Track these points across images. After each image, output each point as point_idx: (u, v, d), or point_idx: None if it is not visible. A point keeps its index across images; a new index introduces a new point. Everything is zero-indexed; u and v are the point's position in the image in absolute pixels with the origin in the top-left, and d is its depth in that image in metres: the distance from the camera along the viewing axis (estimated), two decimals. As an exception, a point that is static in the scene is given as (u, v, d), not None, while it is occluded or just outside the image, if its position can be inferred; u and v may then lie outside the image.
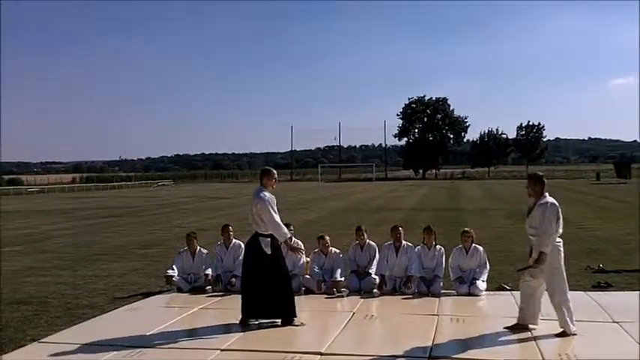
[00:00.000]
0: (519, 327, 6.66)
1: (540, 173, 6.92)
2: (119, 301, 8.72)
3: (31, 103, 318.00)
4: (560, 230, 6.54)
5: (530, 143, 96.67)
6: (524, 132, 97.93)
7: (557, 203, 6.55)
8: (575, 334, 6.32)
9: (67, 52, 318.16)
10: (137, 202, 40.25)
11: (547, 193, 6.62)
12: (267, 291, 6.97)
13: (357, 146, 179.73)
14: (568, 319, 6.38)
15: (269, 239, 7.03)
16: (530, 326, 6.65)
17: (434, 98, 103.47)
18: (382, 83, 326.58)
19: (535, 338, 6.28)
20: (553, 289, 6.48)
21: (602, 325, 6.80)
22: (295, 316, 7.03)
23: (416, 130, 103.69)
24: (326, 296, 8.58)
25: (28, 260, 13.25)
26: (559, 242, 6.53)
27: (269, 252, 7.02)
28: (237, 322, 7.07)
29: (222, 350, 6.09)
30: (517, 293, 8.34)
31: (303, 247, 8.16)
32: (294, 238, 7.32)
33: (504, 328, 6.71)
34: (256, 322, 7.05)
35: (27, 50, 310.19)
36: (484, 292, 8.46)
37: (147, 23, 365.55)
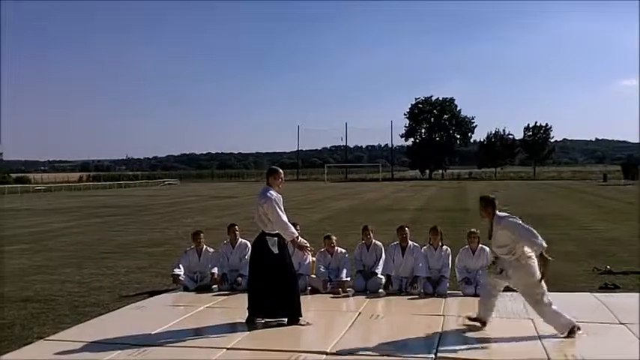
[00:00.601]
0: (479, 321, 6.78)
1: (492, 196, 6.99)
2: (125, 300, 8.75)
3: (39, 102, 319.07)
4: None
5: (537, 144, 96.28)
6: (531, 133, 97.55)
7: (510, 215, 6.68)
8: (579, 328, 6.28)
9: (74, 52, 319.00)
10: (144, 200, 40.34)
11: (498, 211, 6.69)
12: (274, 290, 6.97)
13: (364, 146, 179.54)
14: (562, 321, 6.36)
15: (276, 239, 7.03)
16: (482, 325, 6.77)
17: (441, 98, 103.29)
18: (389, 83, 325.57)
19: (541, 338, 6.26)
20: (533, 300, 6.50)
21: (608, 326, 6.79)
22: (301, 316, 7.03)
23: (423, 131, 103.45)
24: (332, 296, 8.58)
25: (35, 258, 13.30)
26: (530, 254, 6.52)
27: (276, 251, 7.02)
28: (243, 320, 7.08)
29: (228, 349, 6.10)
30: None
31: (310, 246, 8.15)
32: (300, 238, 7.31)
33: (465, 316, 6.89)
34: (262, 321, 7.06)
35: (32, 50, 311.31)
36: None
37: (154, 22, 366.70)
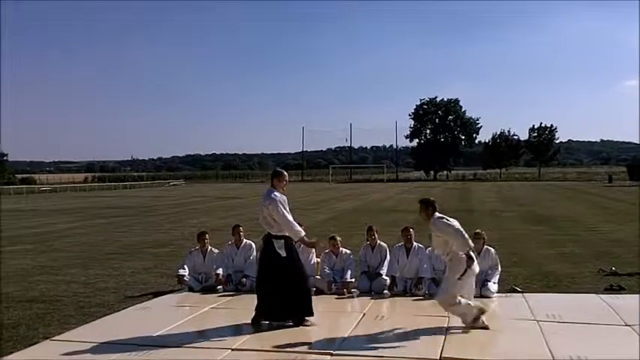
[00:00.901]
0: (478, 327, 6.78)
1: (431, 199, 7.15)
2: (130, 300, 8.76)
3: (44, 103, 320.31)
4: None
5: (542, 145, 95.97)
6: (536, 134, 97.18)
7: (443, 216, 6.84)
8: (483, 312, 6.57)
9: (78, 53, 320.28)
10: (149, 201, 40.41)
11: (437, 213, 6.87)
12: (282, 292, 6.92)
13: (368, 147, 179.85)
14: (468, 315, 6.64)
15: (282, 241, 7.01)
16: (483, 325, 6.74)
17: (445, 99, 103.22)
18: (393, 84, 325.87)
19: (546, 339, 6.24)
20: (445, 294, 6.73)
21: (613, 327, 6.76)
22: (312, 315, 7.01)
23: (427, 131, 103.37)
24: (336, 297, 8.58)
25: (40, 259, 13.34)
26: (462, 256, 6.66)
27: (283, 254, 6.99)
28: (248, 321, 7.05)
29: (232, 350, 6.11)
30: (529, 295, 8.37)
31: (318, 240, 8.11)
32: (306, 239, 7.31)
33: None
34: (267, 322, 7.04)
35: (35, 50, 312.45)
36: (495, 294, 8.42)
37: (160, 23, 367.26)
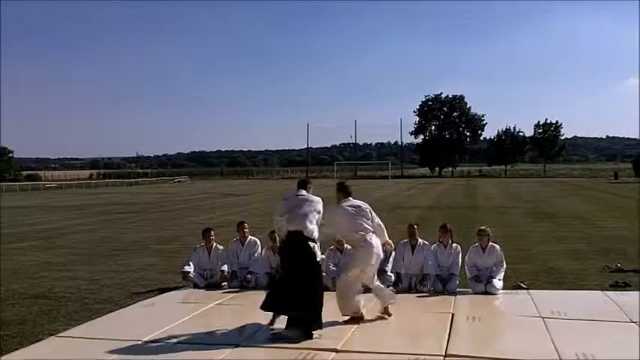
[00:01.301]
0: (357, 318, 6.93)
1: (346, 182, 7.47)
2: (136, 297, 8.78)
3: (48, 102, 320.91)
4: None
5: (547, 141, 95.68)
6: (541, 130, 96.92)
7: (342, 206, 7.06)
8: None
9: (80, 53, 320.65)
10: (154, 198, 40.47)
11: (350, 198, 7.14)
12: (290, 294, 6.60)
13: (373, 144, 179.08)
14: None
15: (317, 245, 6.76)
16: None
17: (450, 96, 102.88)
18: (397, 82, 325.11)
19: (551, 336, 6.23)
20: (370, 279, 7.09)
21: (619, 324, 6.74)
22: (320, 328, 6.54)
23: (432, 128, 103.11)
24: (341, 293, 8.55)
25: (45, 255, 13.39)
26: (364, 242, 6.89)
27: (319, 258, 6.76)
28: (253, 318, 6.91)
29: (237, 346, 6.11)
30: (534, 292, 8.36)
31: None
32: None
33: (343, 322, 6.90)
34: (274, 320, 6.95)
35: (46, 49, 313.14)
36: (500, 291, 8.40)
37: (164, 22, 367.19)
